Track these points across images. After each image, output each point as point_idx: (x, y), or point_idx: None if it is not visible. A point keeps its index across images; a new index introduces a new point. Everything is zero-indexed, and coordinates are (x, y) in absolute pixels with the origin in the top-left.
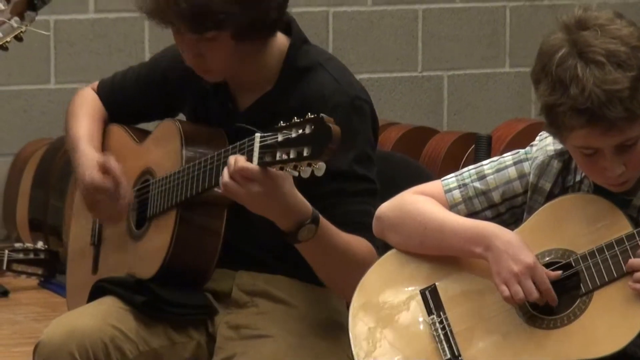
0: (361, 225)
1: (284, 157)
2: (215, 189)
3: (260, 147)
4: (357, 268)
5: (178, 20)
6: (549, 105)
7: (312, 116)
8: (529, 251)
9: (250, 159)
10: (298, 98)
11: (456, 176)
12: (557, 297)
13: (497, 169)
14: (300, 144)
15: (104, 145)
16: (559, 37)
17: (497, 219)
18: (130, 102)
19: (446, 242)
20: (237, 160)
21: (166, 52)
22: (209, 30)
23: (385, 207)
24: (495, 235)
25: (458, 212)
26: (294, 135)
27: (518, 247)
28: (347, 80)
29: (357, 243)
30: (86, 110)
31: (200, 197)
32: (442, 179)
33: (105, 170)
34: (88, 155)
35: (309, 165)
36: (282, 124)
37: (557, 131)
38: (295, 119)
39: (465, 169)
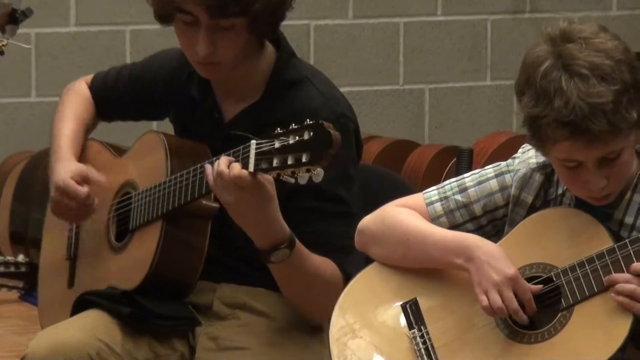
0: (331, 247)
1: (281, 163)
2: (204, 202)
3: (257, 154)
4: (322, 290)
5: (202, 3)
6: (532, 117)
7: (311, 122)
8: (511, 263)
9: (246, 166)
10: (285, 111)
11: (438, 189)
12: (536, 310)
13: (479, 181)
14: (298, 150)
15: (82, 161)
16: (543, 49)
17: (478, 231)
18: (119, 101)
19: (428, 254)
20: (221, 161)
21: (158, 56)
22: (231, 16)
23: (368, 220)
24: (477, 246)
25: (440, 225)
26: (291, 141)
27: (500, 258)
28: (333, 96)
29: (325, 266)
30: (74, 111)
31: (186, 208)
32: (424, 191)
33: (84, 180)
34: (67, 165)
35: (308, 170)
36: (278, 130)
37: (540, 143)
38: (293, 126)
39: (447, 181)
